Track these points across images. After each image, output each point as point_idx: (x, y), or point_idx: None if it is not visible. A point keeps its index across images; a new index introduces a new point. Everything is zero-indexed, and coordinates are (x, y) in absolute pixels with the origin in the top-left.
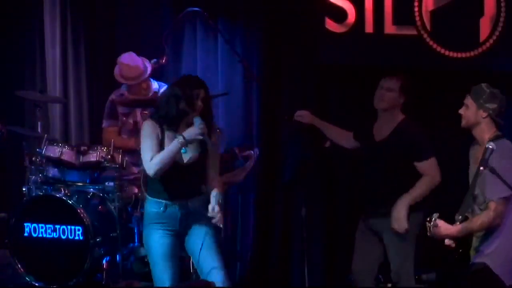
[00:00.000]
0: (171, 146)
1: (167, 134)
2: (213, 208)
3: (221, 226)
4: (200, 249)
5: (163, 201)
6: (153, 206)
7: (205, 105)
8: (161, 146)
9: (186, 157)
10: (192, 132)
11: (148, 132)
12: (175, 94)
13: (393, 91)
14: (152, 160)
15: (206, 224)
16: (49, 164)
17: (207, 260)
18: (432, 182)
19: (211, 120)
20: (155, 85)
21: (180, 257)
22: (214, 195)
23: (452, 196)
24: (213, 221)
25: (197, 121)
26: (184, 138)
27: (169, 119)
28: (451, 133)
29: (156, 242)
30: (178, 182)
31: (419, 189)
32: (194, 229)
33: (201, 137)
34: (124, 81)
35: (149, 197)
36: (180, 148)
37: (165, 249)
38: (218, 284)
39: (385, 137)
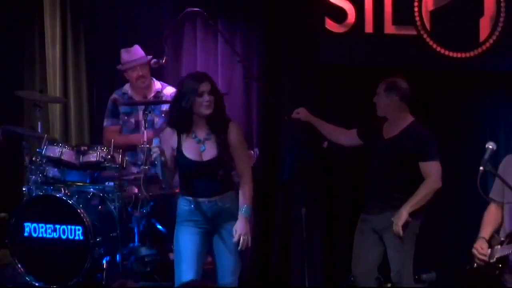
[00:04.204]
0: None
1: (183, 137)
2: (235, 231)
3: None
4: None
5: (192, 198)
6: (184, 203)
7: (216, 96)
8: (178, 151)
9: (205, 155)
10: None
11: (163, 141)
12: (178, 96)
13: (380, 94)
14: None
15: (232, 224)
16: (49, 164)
17: (223, 263)
18: (433, 186)
19: (223, 112)
20: (157, 85)
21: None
22: (241, 210)
23: (449, 196)
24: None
25: (154, 142)
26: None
27: (177, 122)
28: (450, 133)
29: (185, 239)
30: (203, 179)
31: (420, 194)
32: (222, 228)
33: (152, 158)
34: (122, 67)
35: (181, 195)
36: (160, 166)
37: (193, 246)
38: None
39: (394, 135)
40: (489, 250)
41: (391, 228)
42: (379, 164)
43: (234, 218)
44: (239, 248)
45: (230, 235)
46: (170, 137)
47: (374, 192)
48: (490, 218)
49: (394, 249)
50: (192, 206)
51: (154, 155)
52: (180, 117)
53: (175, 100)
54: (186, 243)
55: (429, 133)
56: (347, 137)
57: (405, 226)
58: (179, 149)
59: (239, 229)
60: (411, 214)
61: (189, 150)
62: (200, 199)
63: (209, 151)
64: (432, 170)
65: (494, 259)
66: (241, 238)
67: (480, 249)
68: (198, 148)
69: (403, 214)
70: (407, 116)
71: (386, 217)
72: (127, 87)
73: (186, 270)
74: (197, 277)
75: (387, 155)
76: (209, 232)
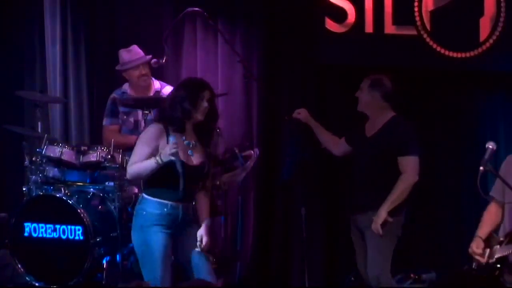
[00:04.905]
0: (148, 163)
1: (175, 136)
2: (201, 237)
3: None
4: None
5: (168, 202)
6: (155, 207)
7: (211, 106)
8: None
9: (194, 159)
10: (165, 152)
11: (148, 138)
12: (179, 96)
13: (363, 90)
14: (131, 166)
15: (194, 228)
16: (49, 164)
17: (201, 267)
18: (409, 181)
19: (215, 122)
20: (157, 84)
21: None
22: (204, 222)
23: (449, 196)
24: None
25: (171, 138)
26: (161, 158)
27: (174, 121)
28: (451, 133)
29: (159, 245)
30: (185, 183)
31: (397, 191)
32: (189, 233)
33: (172, 158)
34: (123, 67)
35: (151, 198)
36: (155, 168)
37: (167, 252)
38: None
39: (375, 132)
40: (488, 250)
41: (371, 227)
42: (363, 163)
43: (193, 222)
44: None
45: (195, 239)
46: (159, 136)
47: (359, 191)
48: (489, 218)
49: (373, 249)
50: (165, 209)
51: (172, 151)
52: (180, 118)
53: (178, 100)
54: (161, 249)
55: (409, 128)
56: (339, 147)
57: (384, 225)
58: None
59: (206, 236)
60: (392, 214)
61: (180, 152)
62: (175, 204)
63: (197, 158)
64: (408, 165)
65: (494, 259)
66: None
67: (475, 248)
68: (187, 151)
69: (381, 213)
70: (388, 112)
71: (368, 216)
72: (126, 87)
73: (164, 276)
74: (171, 281)
75: (370, 153)
76: (174, 235)
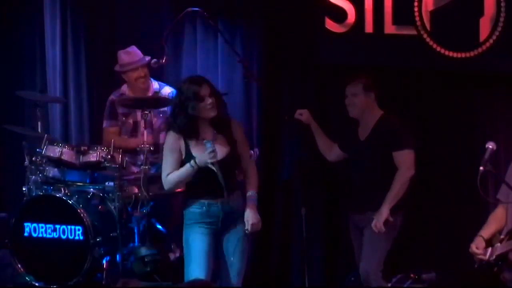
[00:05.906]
0: (183, 170)
1: (191, 142)
2: (247, 222)
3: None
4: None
5: (206, 201)
6: (196, 206)
7: (216, 98)
8: (187, 156)
9: (218, 154)
10: (203, 158)
11: (169, 147)
12: (180, 102)
13: (358, 95)
14: (167, 177)
15: (242, 225)
16: (49, 164)
17: (232, 263)
18: (406, 175)
19: (225, 111)
20: (155, 85)
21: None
22: (249, 199)
23: (449, 196)
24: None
25: (207, 144)
26: (196, 162)
27: (185, 128)
28: (450, 133)
29: (196, 240)
30: (215, 179)
31: (395, 187)
32: (231, 228)
33: (210, 162)
34: (122, 68)
35: (191, 198)
36: (193, 172)
37: (204, 246)
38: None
39: (368, 134)
40: (490, 249)
41: (370, 225)
42: (362, 166)
43: (242, 218)
44: (249, 232)
45: (239, 236)
46: (176, 142)
47: (359, 192)
48: (494, 219)
49: (368, 247)
50: (204, 208)
51: (212, 159)
52: (187, 124)
53: (179, 108)
54: (196, 244)
55: (400, 122)
56: (332, 154)
57: (385, 224)
58: (189, 154)
59: (251, 219)
60: (392, 218)
61: (201, 153)
62: (213, 201)
63: (219, 151)
64: (404, 159)
65: (494, 257)
66: (253, 226)
67: (475, 248)
68: (209, 151)
69: (383, 211)
70: (377, 111)
71: (367, 216)
72: (124, 88)
73: (195, 270)
74: (206, 277)
75: (367, 155)
76: (219, 232)
